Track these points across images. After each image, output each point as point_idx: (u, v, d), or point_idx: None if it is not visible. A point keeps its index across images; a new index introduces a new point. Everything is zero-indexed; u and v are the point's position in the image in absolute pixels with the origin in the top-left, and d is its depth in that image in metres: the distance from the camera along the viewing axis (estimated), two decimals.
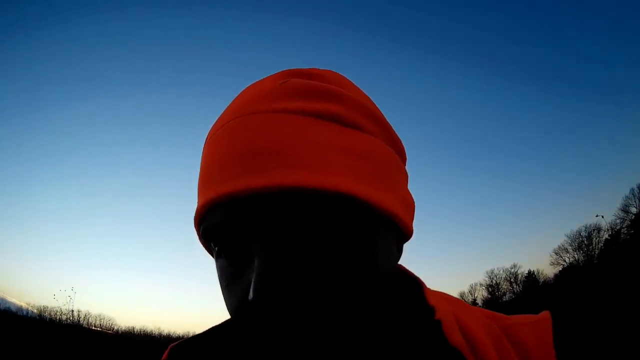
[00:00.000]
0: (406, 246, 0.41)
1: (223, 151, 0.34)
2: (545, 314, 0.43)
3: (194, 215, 0.36)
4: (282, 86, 0.36)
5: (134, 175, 69.98)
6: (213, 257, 0.38)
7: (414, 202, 0.41)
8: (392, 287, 0.37)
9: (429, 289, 0.44)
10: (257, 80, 0.40)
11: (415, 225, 0.41)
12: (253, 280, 0.30)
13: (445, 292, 0.46)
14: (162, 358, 0.48)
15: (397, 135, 0.41)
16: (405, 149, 0.42)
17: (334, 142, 0.33)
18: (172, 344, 0.49)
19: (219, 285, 0.37)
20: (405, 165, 0.42)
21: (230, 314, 0.35)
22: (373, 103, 0.40)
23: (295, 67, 0.41)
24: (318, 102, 0.35)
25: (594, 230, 35.00)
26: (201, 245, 0.40)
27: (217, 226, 0.33)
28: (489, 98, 75.63)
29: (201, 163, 0.37)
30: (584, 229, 35.72)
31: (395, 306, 0.38)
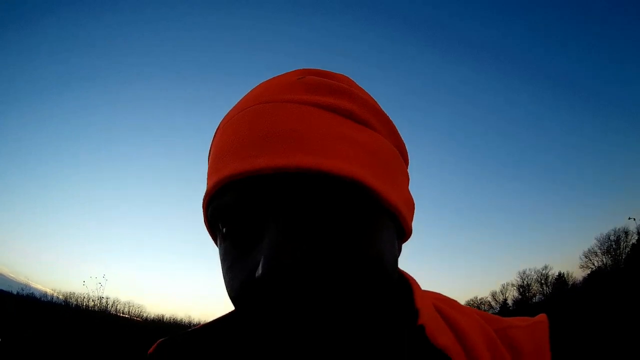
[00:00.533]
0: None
1: (242, 133, 0.34)
2: (541, 317, 0.44)
3: (203, 195, 0.36)
4: (299, 81, 0.38)
5: (168, 164, 74.27)
6: (216, 242, 0.39)
7: (414, 203, 0.42)
8: (393, 283, 0.37)
9: (421, 290, 0.43)
10: (272, 76, 0.42)
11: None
12: (264, 255, 0.30)
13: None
14: (149, 352, 0.46)
15: (401, 137, 0.42)
16: (407, 152, 0.44)
17: (347, 135, 0.34)
18: (160, 339, 0.47)
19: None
20: (407, 167, 0.44)
21: (233, 293, 0.34)
22: (379, 105, 0.42)
23: (304, 67, 0.43)
24: (333, 98, 0.36)
25: (622, 233, 34.57)
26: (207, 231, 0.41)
27: (232, 203, 0.33)
28: (524, 102, 75.63)
29: (214, 146, 0.38)
30: (612, 232, 35.31)
31: (381, 308, 0.35)
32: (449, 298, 0.46)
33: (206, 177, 0.39)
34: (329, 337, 0.30)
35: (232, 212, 0.34)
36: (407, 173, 0.43)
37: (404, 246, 0.43)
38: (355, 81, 0.44)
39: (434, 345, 0.36)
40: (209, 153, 0.40)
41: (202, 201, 0.38)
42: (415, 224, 0.42)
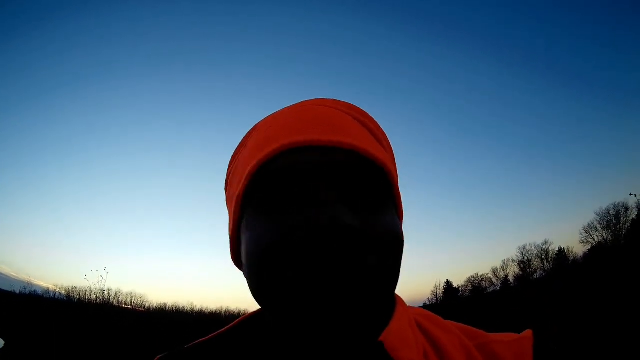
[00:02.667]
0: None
1: (295, 120, 0.40)
2: (527, 332, 0.44)
3: (251, 164, 0.38)
4: (336, 101, 0.46)
5: (164, 153, 72.32)
6: (236, 223, 0.42)
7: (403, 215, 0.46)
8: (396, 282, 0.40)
9: (404, 306, 0.45)
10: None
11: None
12: (325, 211, 0.34)
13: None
14: None
15: (397, 169, 0.47)
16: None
17: (375, 144, 0.41)
18: (158, 356, 0.48)
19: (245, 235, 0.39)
20: None
21: (270, 246, 0.35)
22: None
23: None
24: (362, 118, 0.45)
25: (621, 208, 34.33)
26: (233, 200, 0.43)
27: (290, 166, 0.36)
28: (525, 75, 74.62)
29: (255, 136, 0.43)
30: (612, 207, 35.05)
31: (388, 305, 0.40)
32: (431, 314, 0.48)
33: (228, 169, 0.48)
34: (353, 307, 0.33)
35: (292, 173, 0.36)
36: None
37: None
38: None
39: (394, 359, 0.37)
40: (240, 147, 0.47)
41: (246, 169, 0.39)
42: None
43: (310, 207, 0.35)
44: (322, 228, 0.32)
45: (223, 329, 0.48)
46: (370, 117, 0.46)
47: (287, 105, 0.47)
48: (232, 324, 0.49)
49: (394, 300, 0.44)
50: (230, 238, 0.44)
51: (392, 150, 0.48)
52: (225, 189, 0.49)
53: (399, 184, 0.46)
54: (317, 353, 0.36)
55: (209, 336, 0.48)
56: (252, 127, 0.48)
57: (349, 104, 0.46)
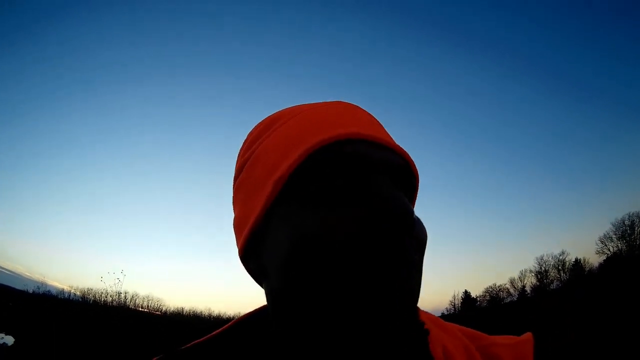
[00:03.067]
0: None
1: (337, 113, 0.38)
2: (527, 335, 0.44)
3: (300, 150, 0.35)
4: (355, 105, 0.44)
5: (185, 157, 73.60)
6: (262, 213, 0.37)
7: None
8: None
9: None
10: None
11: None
12: (394, 204, 0.31)
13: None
14: None
15: None
16: None
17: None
18: (156, 358, 0.44)
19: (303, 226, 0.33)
20: None
21: (332, 241, 0.32)
22: None
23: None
24: (381, 126, 0.43)
25: (636, 219, 33.96)
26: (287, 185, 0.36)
27: (351, 154, 0.34)
28: (542, 87, 75.04)
29: (290, 124, 0.39)
30: (627, 217, 34.70)
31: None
32: (432, 315, 0.47)
33: (238, 155, 0.44)
34: (406, 301, 0.32)
35: (348, 163, 0.34)
36: None
37: None
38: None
39: (431, 354, 0.38)
40: (265, 130, 0.41)
41: (287, 153, 0.36)
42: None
43: (381, 200, 0.32)
44: (405, 218, 0.31)
45: (219, 330, 0.47)
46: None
47: (293, 105, 0.44)
48: (228, 324, 0.47)
49: None
50: (250, 230, 0.38)
51: None
52: (236, 177, 0.44)
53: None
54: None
55: (205, 337, 0.46)
56: (268, 117, 0.44)
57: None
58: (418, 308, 0.44)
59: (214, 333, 0.46)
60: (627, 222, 34.97)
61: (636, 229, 34.17)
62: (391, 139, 0.39)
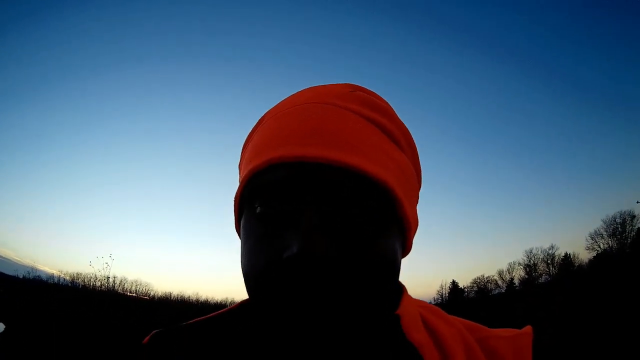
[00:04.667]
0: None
1: (294, 124, 0.37)
2: (527, 328, 0.44)
3: (246, 171, 0.38)
4: (351, 94, 0.42)
5: (171, 140, 72.29)
6: (237, 221, 0.43)
7: (418, 224, 0.46)
8: (398, 290, 0.42)
9: (408, 295, 0.45)
10: (323, 84, 0.46)
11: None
12: (301, 236, 0.32)
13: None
14: (143, 342, 0.47)
15: (420, 163, 0.47)
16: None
17: (385, 148, 0.39)
18: (155, 330, 0.48)
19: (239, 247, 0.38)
20: (419, 190, 0.48)
21: (254, 269, 0.36)
22: (409, 132, 0.46)
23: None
24: (377, 115, 0.41)
25: (628, 217, 34.14)
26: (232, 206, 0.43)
27: (280, 179, 0.35)
28: (534, 83, 74.79)
29: (259, 133, 0.41)
30: (618, 214, 34.85)
31: (382, 309, 0.38)
32: (433, 306, 0.48)
33: (241, 155, 0.46)
34: (336, 330, 0.33)
35: (275, 189, 0.36)
36: (419, 195, 0.47)
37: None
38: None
39: (408, 339, 0.39)
40: (249, 139, 0.45)
41: (240, 176, 0.42)
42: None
43: (291, 232, 0.34)
44: (295, 261, 0.32)
45: (222, 310, 0.49)
46: (387, 108, 0.44)
47: (301, 89, 0.46)
48: (231, 306, 0.49)
49: (400, 286, 0.46)
50: (235, 211, 0.43)
51: (413, 149, 0.46)
52: (239, 166, 0.47)
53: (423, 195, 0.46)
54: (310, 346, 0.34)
55: (207, 316, 0.49)
56: (264, 114, 0.46)
57: (366, 94, 0.43)
58: (411, 297, 0.45)
59: (216, 313, 0.49)
60: (618, 220, 35.25)
61: (627, 227, 34.54)
62: (340, 151, 0.36)
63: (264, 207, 0.37)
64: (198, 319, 0.49)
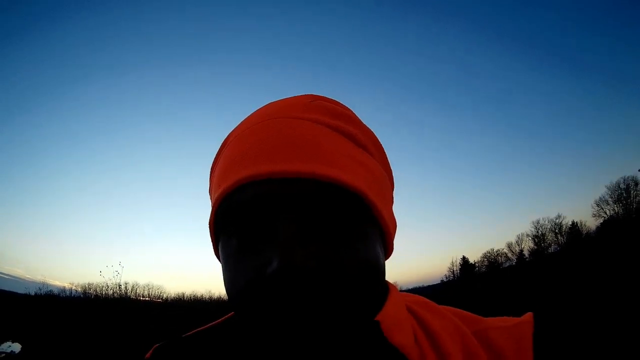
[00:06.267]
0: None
1: (259, 142, 0.37)
2: (527, 317, 0.43)
3: (216, 195, 0.38)
4: (311, 103, 0.42)
5: (175, 144, 75.69)
6: (215, 245, 0.42)
7: (397, 224, 0.45)
8: (383, 292, 0.41)
9: (397, 294, 0.44)
10: (281, 99, 0.45)
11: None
12: (279, 253, 0.32)
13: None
14: (146, 356, 0.47)
15: (390, 165, 0.47)
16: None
17: (351, 154, 0.39)
18: (156, 344, 0.48)
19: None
20: (393, 191, 0.47)
21: (235, 290, 0.36)
22: (376, 135, 0.46)
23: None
24: (340, 122, 0.41)
25: (631, 182, 34.17)
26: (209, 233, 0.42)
27: (251, 199, 0.35)
28: (540, 51, 73.55)
29: (225, 155, 0.41)
30: (622, 180, 34.90)
31: (370, 314, 0.38)
32: (426, 300, 0.47)
33: (209, 180, 0.45)
34: (326, 339, 0.33)
35: (247, 209, 0.36)
36: (393, 196, 0.47)
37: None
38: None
39: (390, 342, 0.38)
40: (215, 162, 0.45)
41: (212, 201, 0.41)
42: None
43: (269, 248, 0.34)
44: (276, 277, 0.32)
45: (221, 319, 0.49)
46: (350, 114, 0.44)
47: (261, 106, 0.46)
48: (230, 314, 0.49)
49: (386, 287, 0.44)
50: (211, 236, 0.43)
51: (381, 151, 0.45)
52: (209, 191, 0.46)
53: (396, 197, 0.46)
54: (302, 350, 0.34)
55: (206, 326, 0.49)
56: (227, 136, 0.45)
57: (327, 103, 0.43)
58: (398, 294, 0.44)
59: (218, 321, 0.49)
60: (622, 186, 35.36)
61: (632, 192, 34.57)
62: (307, 162, 0.36)
63: (239, 226, 0.37)
64: (198, 329, 0.49)
